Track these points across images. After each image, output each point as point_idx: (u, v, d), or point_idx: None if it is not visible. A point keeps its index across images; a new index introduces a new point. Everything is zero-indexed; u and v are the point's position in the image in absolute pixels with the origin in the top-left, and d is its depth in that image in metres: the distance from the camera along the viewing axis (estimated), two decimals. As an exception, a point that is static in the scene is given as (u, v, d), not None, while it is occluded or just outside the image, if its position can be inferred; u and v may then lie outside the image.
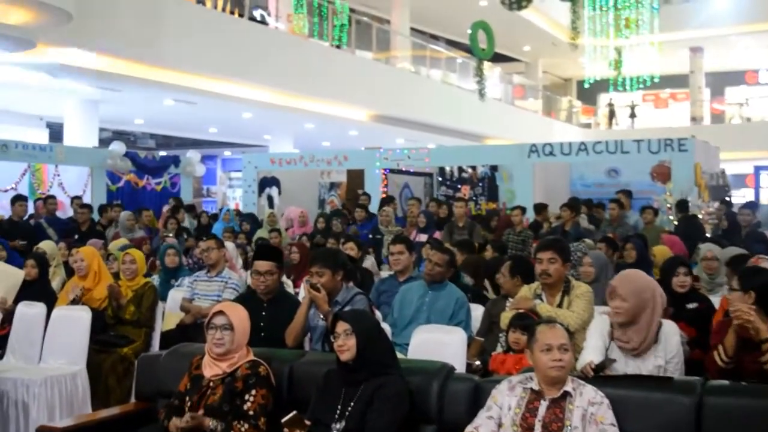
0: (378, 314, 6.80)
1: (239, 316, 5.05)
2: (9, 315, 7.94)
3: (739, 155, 28.17)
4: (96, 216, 14.93)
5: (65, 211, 16.04)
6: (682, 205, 14.31)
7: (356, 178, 19.60)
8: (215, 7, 18.61)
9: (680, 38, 32.21)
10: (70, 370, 7.20)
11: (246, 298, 6.61)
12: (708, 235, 13.46)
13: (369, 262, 10.93)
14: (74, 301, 7.89)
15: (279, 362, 5.19)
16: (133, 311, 7.86)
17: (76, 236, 12.76)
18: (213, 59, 17.53)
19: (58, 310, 7.71)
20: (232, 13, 18.87)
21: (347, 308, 5.91)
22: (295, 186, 20.58)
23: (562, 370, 4.32)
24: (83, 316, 7.43)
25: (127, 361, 7.45)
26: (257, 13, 19.90)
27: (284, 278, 8.97)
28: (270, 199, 20.04)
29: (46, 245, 10.26)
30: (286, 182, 20.52)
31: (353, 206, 16.46)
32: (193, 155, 21.71)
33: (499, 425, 4.37)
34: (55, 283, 9.43)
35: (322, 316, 6.07)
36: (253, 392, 4.81)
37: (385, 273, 10.21)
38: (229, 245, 10.72)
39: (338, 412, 4.61)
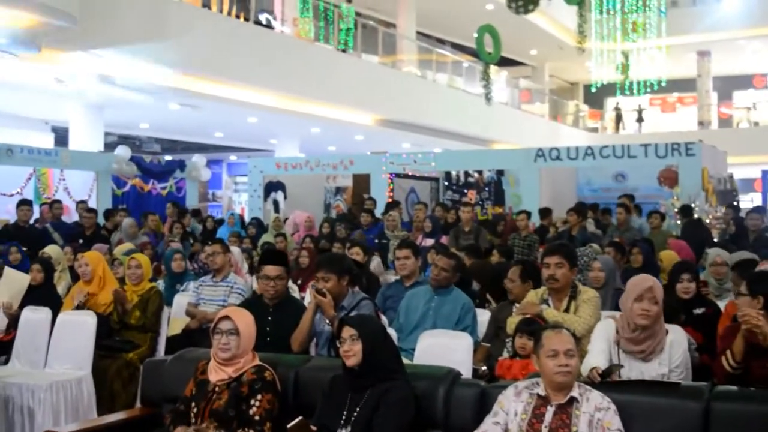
0: (384, 319, 6.78)
1: (245, 321, 5.03)
2: (14, 320, 7.94)
3: (746, 159, 28.13)
4: (101, 220, 14.93)
5: (70, 216, 16.04)
6: (686, 210, 14.28)
7: (362, 182, 19.58)
8: (220, 11, 18.62)
9: (688, 42, 32.17)
10: (76, 375, 7.19)
11: (251, 302, 6.59)
12: (715, 239, 13.43)
13: (375, 262, 10.91)
14: (79, 307, 7.88)
15: (285, 367, 5.17)
16: (138, 316, 7.85)
17: (81, 241, 12.75)
18: (218, 63, 17.53)
19: (63, 315, 7.70)
20: (237, 16, 18.88)
21: (353, 313, 5.89)
22: (300, 190, 20.58)
23: (569, 376, 4.30)
24: (88, 321, 7.42)
25: (132, 366, 7.45)
26: (263, 17, 19.88)
27: (290, 283, 8.95)
28: (276, 203, 20.03)
29: (51, 250, 10.28)
30: (291, 187, 20.51)
31: (359, 211, 16.43)
32: (198, 159, 21.72)
33: (506, 431, 4.35)
34: (60, 288, 9.43)
35: (327, 321, 6.05)
36: (259, 397, 4.79)
37: (390, 276, 10.20)
38: (235, 250, 10.72)
39: (344, 417, 4.60)
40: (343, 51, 22.42)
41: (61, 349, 7.44)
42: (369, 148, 25.52)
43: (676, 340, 5.12)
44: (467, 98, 26.70)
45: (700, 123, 34.95)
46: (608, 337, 5.09)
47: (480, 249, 11.12)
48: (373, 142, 25.76)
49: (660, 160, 16.15)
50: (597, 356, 4.91)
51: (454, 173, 21.04)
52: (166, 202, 18.41)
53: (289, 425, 4.46)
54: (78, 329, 7.41)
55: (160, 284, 9.70)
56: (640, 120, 36.94)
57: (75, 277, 9.55)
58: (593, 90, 29.63)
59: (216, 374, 4.94)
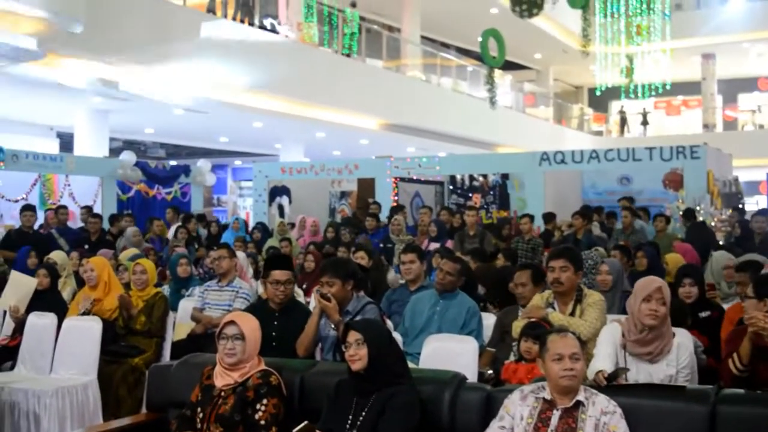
0: (389, 323, 6.78)
1: (250, 326, 5.03)
2: (20, 324, 7.94)
3: (752, 162, 28.06)
4: (106, 226, 14.95)
5: (75, 221, 16.05)
6: (688, 214, 14.26)
7: (367, 187, 19.57)
8: (225, 16, 18.64)
9: (692, 45, 32.18)
10: (81, 380, 7.20)
11: (257, 307, 6.60)
12: (721, 242, 13.41)
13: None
14: (84, 313, 7.89)
15: (290, 372, 5.16)
16: (143, 321, 7.86)
17: (87, 246, 12.75)
18: (223, 68, 17.54)
19: (68, 320, 7.71)
20: (242, 21, 18.89)
21: (358, 317, 5.89)
22: (305, 195, 20.57)
23: (574, 380, 4.29)
24: (94, 326, 7.42)
25: (138, 371, 7.45)
26: (267, 22, 19.90)
27: (295, 288, 8.94)
28: (280, 208, 20.03)
29: (56, 255, 10.27)
30: (296, 191, 20.51)
31: (364, 215, 16.43)
32: (203, 164, 21.74)
33: (512, 435, 4.35)
34: (65, 294, 9.44)
35: (333, 326, 6.05)
36: (265, 402, 4.79)
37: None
38: (240, 255, 10.70)
39: (349, 421, 4.59)
40: (348, 55, 22.44)
41: (67, 354, 7.45)
42: (374, 152, 25.47)
43: (683, 343, 5.11)
44: (472, 102, 26.69)
45: (705, 126, 34.92)
46: (614, 341, 5.07)
47: (485, 253, 11.11)
48: (377, 147, 25.75)
49: (665, 163, 16.15)
50: (603, 360, 4.90)
51: (458, 177, 21.01)
52: (179, 207, 18.46)
53: (294, 430, 4.45)
54: (83, 335, 7.42)
55: (166, 289, 9.70)
56: (644, 123, 36.93)
57: (80, 282, 9.56)
58: (598, 93, 29.55)
59: (222, 379, 4.94)
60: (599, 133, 38.78)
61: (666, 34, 26.03)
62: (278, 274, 6.43)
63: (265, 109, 19.82)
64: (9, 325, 8.34)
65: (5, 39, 12.58)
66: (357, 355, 4.62)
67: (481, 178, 20.90)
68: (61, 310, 8.07)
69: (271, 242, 14.55)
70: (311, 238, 15.40)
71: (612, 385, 4.54)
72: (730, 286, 8.36)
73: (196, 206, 21.05)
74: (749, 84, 37.66)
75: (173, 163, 24.09)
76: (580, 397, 4.29)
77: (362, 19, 24.07)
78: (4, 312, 8.60)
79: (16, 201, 17.01)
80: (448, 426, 4.72)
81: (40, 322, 7.74)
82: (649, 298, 5.02)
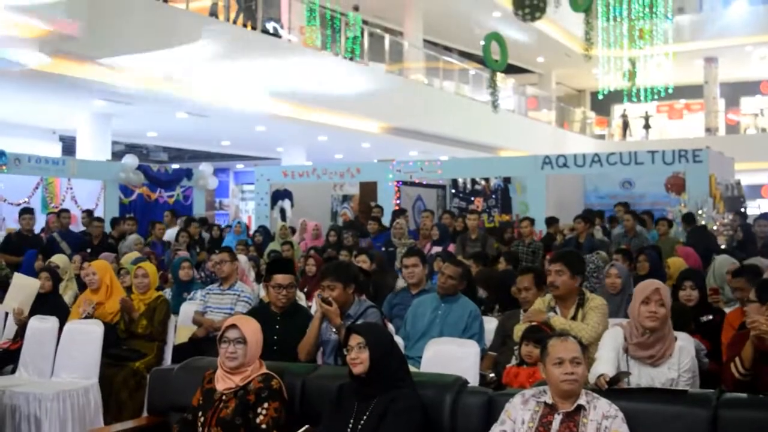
0: (391, 327, 6.77)
1: (252, 330, 5.02)
2: (22, 328, 7.94)
3: (754, 166, 28.08)
4: (108, 229, 14.96)
5: (77, 225, 16.06)
6: (688, 218, 14.25)
7: (369, 190, 19.56)
8: (228, 20, 18.65)
9: (694, 48, 32.23)
10: (83, 384, 7.19)
11: (259, 311, 6.60)
12: (723, 246, 13.40)
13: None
14: (86, 317, 7.88)
15: (292, 376, 5.16)
16: (145, 325, 7.85)
17: (89, 250, 12.75)
18: (226, 72, 17.55)
19: (70, 324, 7.70)
20: (244, 25, 18.90)
21: (359, 321, 5.88)
22: (307, 199, 20.58)
23: (575, 384, 4.29)
24: (95, 330, 7.42)
25: (139, 375, 7.45)
26: (270, 26, 19.89)
27: (297, 291, 8.94)
28: (282, 211, 20.03)
29: (58, 259, 10.28)
30: (298, 195, 20.52)
31: (366, 219, 16.43)
32: (205, 168, 21.73)
33: (513, 439, 4.35)
34: (67, 297, 9.44)
35: (334, 330, 6.05)
36: (266, 405, 4.78)
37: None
38: (242, 258, 10.73)
39: (351, 425, 4.58)
40: (350, 59, 22.44)
41: (68, 358, 7.44)
42: (376, 156, 25.52)
43: (685, 346, 5.11)
44: (474, 106, 26.72)
45: (708, 129, 34.92)
46: (616, 345, 5.07)
47: (487, 256, 11.11)
48: (379, 150, 25.77)
49: (667, 167, 16.15)
50: (605, 364, 4.89)
51: (461, 181, 20.99)
52: (177, 210, 18.45)
53: (296, 434, 4.46)
54: (85, 338, 7.41)
55: (167, 293, 9.71)
56: (647, 127, 36.94)
57: (82, 286, 9.56)
58: (600, 97, 29.69)
59: (223, 383, 4.93)
60: (602, 137, 38.78)
61: (668, 37, 26.06)
62: (280, 278, 6.43)
63: (268, 112, 19.83)
64: (10, 329, 8.33)
65: (9, 43, 12.60)
66: (358, 358, 4.61)
67: (483, 182, 20.88)
68: (62, 314, 8.07)
69: (273, 246, 14.55)
70: (312, 242, 15.40)
71: (613, 389, 4.53)
72: (733, 291, 8.35)
73: (198, 210, 21.06)
74: (752, 87, 37.69)
75: (175, 166, 24.09)
76: (582, 401, 4.28)
77: (365, 22, 24.08)
78: (6, 315, 8.60)
79: (19, 204, 16.99)
80: (449, 430, 4.71)
81: (42, 325, 7.74)
82: (647, 300, 5.04)
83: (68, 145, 22.47)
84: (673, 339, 5.08)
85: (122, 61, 15.47)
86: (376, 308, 6.32)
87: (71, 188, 18.50)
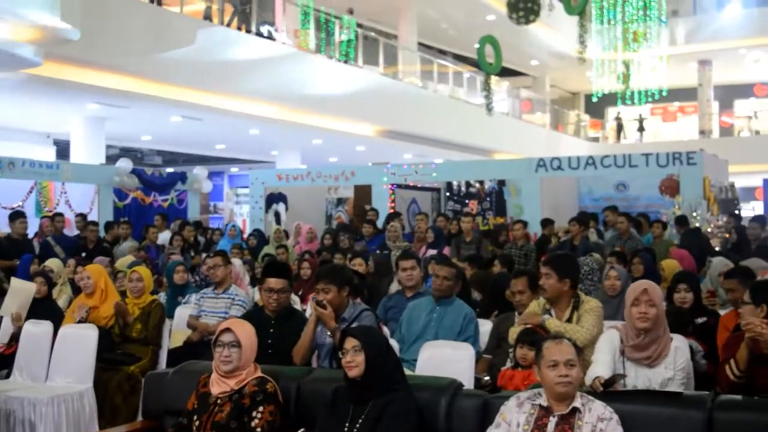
0: (386, 330, 6.76)
1: (246, 333, 5.02)
2: (16, 333, 7.93)
3: (748, 168, 28.11)
4: (102, 233, 14.94)
5: (71, 229, 16.04)
6: (682, 220, 14.26)
7: (364, 193, 19.56)
8: (222, 23, 18.65)
9: (688, 51, 32.32)
10: (77, 388, 7.19)
11: (253, 314, 6.59)
12: (717, 248, 13.42)
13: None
14: (80, 322, 7.87)
15: (287, 379, 5.16)
16: (140, 329, 7.84)
17: (84, 254, 12.74)
18: (220, 75, 17.55)
19: (64, 328, 7.69)
20: (239, 28, 18.90)
21: (354, 324, 5.88)
22: (302, 202, 20.57)
23: (569, 386, 4.29)
24: (90, 334, 7.41)
25: (134, 379, 7.43)
26: (264, 29, 19.91)
27: (291, 295, 8.93)
28: (277, 215, 20.02)
29: (52, 263, 10.27)
30: (293, 198, 20.51)
31: (361, 222, 16.42)
32: (200, 172, 21.71)
33: (508, 442, 4.35)
34: (61, 301, 9.44)
35: (329, 333, 6.04)
36: (261, 409, 4.78)
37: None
38: (236, 262, 10.71)
39: (346, 429, 4.58)
40: (345, 62, 22.46)
41: (63, 362, 7.43)
42: (370, 159, 25.54)
43: (680, 347, 5.15)
44: (468, 109, 26.74)
45: (702, 132, 34.96)
46: (613, 348, 5.09)
47: (482, 259, 11.11)
48: (374, 153, 25.78)
49: (661, 170, 16.16)
50: (601, 366, 4.91)
51: (455, 184, 21.01)
52: (167, 215, 18.43)
53: (291, 437, 4.45)
54: (79, 342, 7.40)
55: (162, 297, 9.69)
56: (641, 129, 36.98)
57: (76, 290, 9.55)
58: (594, 100, 29.66)
59: (218, 387, 4.93)
60: (596, 140, 38.83)
61: (662, 40, 26.07)
62: (272, 282, 6.43)
63: (262, 116, 19.84)
64: (5, 333, 8.32)
65: (2, 47, 12.57)
66: (354, 361, 4.61)
67: (477, 185, 20.90)
68: (57, 318, 8.06)
69: (268, 249, 14.54)
70: (307, 245, 15.37)
71: (609, 391, 4.54)
72: (725, 292, 8.36)
73: (193, 213, 21.03)
74: (745, 90, 37.75)
75: (170, 170, 24.03)
76: (577, 403, 4.29)
77: (359, 26, 24.12)
78: (0, 319, 8.59)
79: (12, 208, 16.97)
80: (444, 433, 4.72)
81: (36, 330, 7.73)
82: (636, 302, 5.09)
83: (62, 149, 22.44)
84: (669, 339, 5.10)
85: (116, 65, 15.46)
86: (370, 311, 6.32)
87: (65, 192, 18.46)
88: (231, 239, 15.38)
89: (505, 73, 30.38)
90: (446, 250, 13.04)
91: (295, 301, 9.47)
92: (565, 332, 5.60)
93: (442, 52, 32.58)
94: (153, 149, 27.78)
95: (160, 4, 16.92)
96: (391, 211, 17.42)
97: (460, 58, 32.41)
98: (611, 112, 38.74)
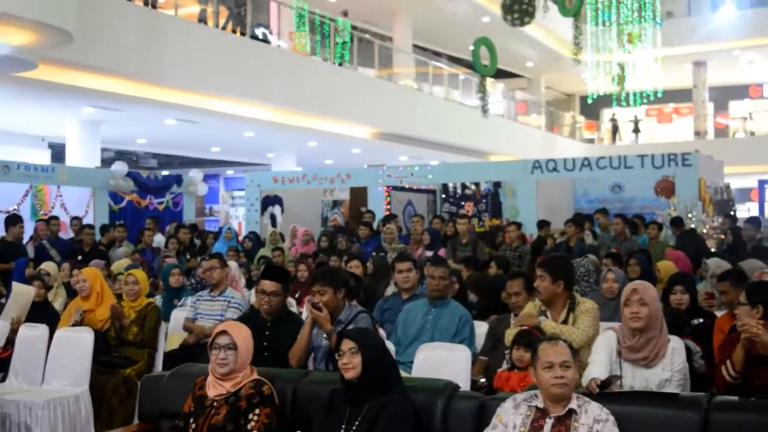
0: (382, 332, 6.76)
1: (242, 336, 5.02)
2: (12, 336, 7.92)
3: (743, 169, 28.15)
4: (98, 236, 14.92)
5: (67, 232, 16.03)
6: (676, 222, 14.27)
7: (359, 195, 19.55)
8: (217, 26, 18.64)
9: (683, 53, 32.33)
10: (73, 391, 7.17)
11: (249, 317, 6.58)
12: (713, 249, 13.42)
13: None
14: (75, 325, 7.86)
15: (283, 381, 5.16)
16: (136, 332, 7.83)
17: (80, 257, 12.73)
18: (215, 78, 17.54)
19: (60, 331, 7.68)
20: (233, 31, 18.89)
21: (350, 327, 5.88)
22: (297, 204, 20.56)
23: (565, 387, 4.29)
24: (86, 337, 7.39)
25: (130, 382, 7.42)
26: (259, 32, 19.89)
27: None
28: (273, 217, 20.00)
29: (47, 266, 10.26)
30: (288, 201, 20.49)
31: (356, 224, 16.41)
32: (195, 174, 21.70)
33: (505, 444, 4.35)
34: (56, 305, 9.42)
35: (325, 336, 6.04)
36: (257, 411, 4.78)
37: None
38: (233, 264, 10.70)
39: (343, 431, 4.58)
40: (340, 65, 22.46)
41: (59, 365, 7.41)
42: (366, 161, 25.51)
43: (677, 348, 5.15)
44: (464, 111, 26.75)
45: (697, 133, 35.03)
46: (609, 349, 5.10)
47: (478, 261, 11.11)
48: (370, 156, 25.77)
49: (657, 171, 16.16)
50: (598, 368, 4.91)
51: (451, 186, 21.00)
52: (163, 217, 18.42)
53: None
54: (75, 345, 7.38)
55: (158, 300, 9.68)
56: (636, 131, 37.03)
57: (71, 293, 9.54)
58: (589, 101, 29.76)
59: (214, 389, 4.93)
60: (591, 141, 38.90)
61: (657, 42, 26.09)
62: (266, 285, 6.43)
63: (257, 118, 19.84)
64: (0, 337, 8.30)
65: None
66: (351, 363, 4.61)
67: (473, 187, 20.90)
68: (53, 321, 8.05)
69: (263, 252, 14.53)
70: (303, 248, 15.37)
71: (605, 392, 4.54)
72: (719, 294, 8.37)
73: (189, 216, 21.01)
74: (740, 91, 37.83)
75: (165, 173, 24.04)
76: (573, 405, 4.29)
77: (354, 28, 24.11)
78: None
79: (8, 212, 16.95)
80: (441, 434, 4.72)
81: (32, 333, 7.72)
82: (627, 302, 5.13)
83: (57, 152, 22.43)
84: (666, 340, 5.11)
85: (111, 68, 15.46)
86: (366, 313, 6.33)
87: (60, 195, 18.43)
88: (227, 242, 15.36)
89: (501, 74, 30.41)
90: (442, 252, 13.04)
91: (291, 303, 9.46)
92: (561, 334, 5.60)
93: (437, 54, 32.61)
94: (148, 152, 27.73)
95: (155, 7, 16.89)
96: (387, 213, 17.42)
97: (455, 60, 32.45)
98: (606, 114, 38.80)
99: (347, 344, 4.66)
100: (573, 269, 6.91)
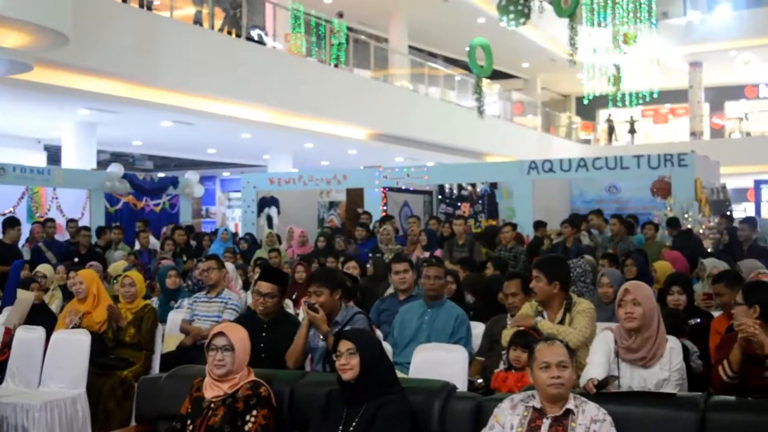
0: (378, 333, 6.76)
1: (239, 337, 5.02)
2: (8, 340, 7.91)
3: (739, 170, 28.17)
4: (94, 238, 14.92)
5: (63, 234, 16.02)
6: (673, 222, 14.28)
7: (356, 197, 19.56)
8: (212, 28, 18.63)
9: (679, 53, 32.31)
10: (70, 393, 7.16)
11: (246, 318, 6.57)
12: (710, 250, 13.43)
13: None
14: (72, 327, 7.85)
15: (280, 383, 5.15)
16: (133, 334, 7.81)
17: (76, 259, 12.71)
18: (211, 80, 17.54)
19: (57, 333, 7.67)
20: (229, 33, 18.89)
21: (347, 328, 5.88)
22: (294, 206, 20.55)
23: (562, 388, 4.29)
24: (83, 339, 7.38)
25: (127, 384, 7.41)
26: (255, 33, 19.90)
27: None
28: (269, 219, 19.99)
29: (44, 268, 10.25)
30: (285, 202, 20.48)
31: (353, 225, 16.41)
32: (191, 176, 21.69)
33: (502, 444, 4.35)
34: (53, 307, 9.41)
35: (322, 337, 6.03)
36: (254, 413, 4.78)
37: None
38: (229, 266, 10.69)
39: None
40: (336, 66, 22.46)
41: (56, 367, 7.40)
42: (362, 162, 25.50)
43: (675, 348, 5.15)
44: (460, 111, 26.77)
45: (693, 134, 35.02)
46: (607, 350, 5.10)
47: (474, 262, 11.11)
48: (366, 157, 25.76)
49: (653, 171, 16.16)
50: (595, 368, 4.92)
51: (447, 186, 21.02)
52: (159, 219, 18.40)
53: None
54: (72, 348, 7.38)
55: (155, 301, 9.68)
56: (632, 131, 37.04)
57: (67, 295, 9.53)
58: (585, 102, 29.68)
59: (211, 391, 4.92)
60: (587, 142, 38.90)
61: (653, 42, 26.10)
62: (262, 286, 6.41)
63: (253, 120, 19.84)
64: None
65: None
66: (348, 364, 4.61)
67: (469, 188, 20.91)
68: (50, 324, 8.04)
69: (260, 253, 14.52)
70: (299, 249, 15.37)
71: (602, 392, 4.54)
72: (714, 296, 8.38)
73: (185, 218, 21.00)
74: (736, 92, 37.83)
75: (161, 174, 24.05)
76: (570, 405, 4.29)
77: (350, 29, 24.11)
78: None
79: (4, 214, 16.93)
80: (438, 435, 4.71)
81: (29, 335, 7.71)
82: (621, 303, 5.15)
83: (53, 155, 22.42)
84: (664, 340, 5.12)
85: (107, 70, 15.45)
86: (363, 314, 6.32)
87: (57, 197, 18.43)
88: (223, 243, 15.36)
89: (496, 75, 30.42)
90: (439, 253, 13.04)
91: (288, 304, 9.46)
92: (558, 334, 5.60)
93: (433, 55, 32.61)
94: (144, 154, 27.74)
95: (150, 9, 16.91)
96: (384, 214, 17.42)
97: (451, 61, 32.44)
98: (602, 114, 38.81)
99: (345, 345, 4.65)
100: (569, 270, 6.91)
